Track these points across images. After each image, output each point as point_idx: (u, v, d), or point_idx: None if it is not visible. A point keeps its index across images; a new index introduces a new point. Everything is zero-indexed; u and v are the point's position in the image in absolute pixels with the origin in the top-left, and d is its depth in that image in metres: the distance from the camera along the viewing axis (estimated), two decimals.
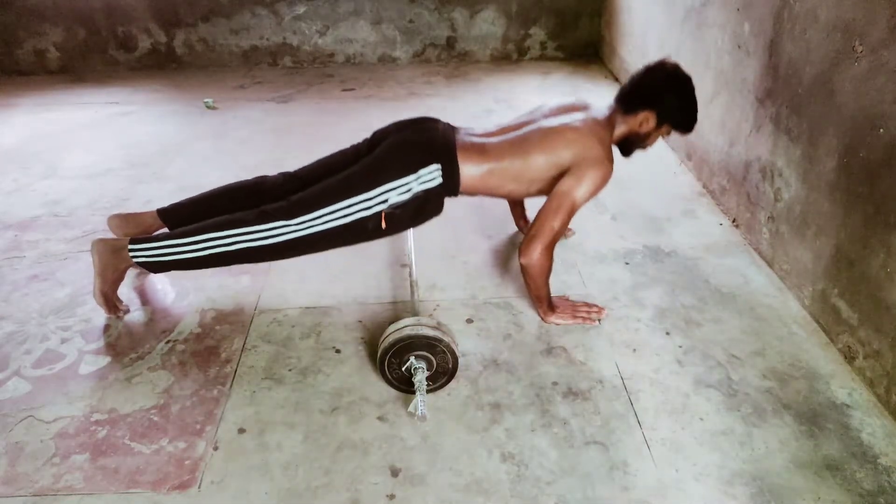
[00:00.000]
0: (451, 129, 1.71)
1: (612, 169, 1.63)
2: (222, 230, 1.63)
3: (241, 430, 1.43)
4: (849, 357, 1.60)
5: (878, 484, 1.29)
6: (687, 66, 1.70)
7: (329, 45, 3.93)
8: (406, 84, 3.64)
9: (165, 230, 1.81)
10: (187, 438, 1.41)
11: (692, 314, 1.78)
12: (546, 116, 1.72)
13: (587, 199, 1.63)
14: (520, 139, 1.66)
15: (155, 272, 1.77)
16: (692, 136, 2.51)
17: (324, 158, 1.82)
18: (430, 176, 1.60)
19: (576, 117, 1.68)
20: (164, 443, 1.40)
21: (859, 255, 1.53)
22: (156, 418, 1.46)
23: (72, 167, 2.71)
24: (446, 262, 2.02)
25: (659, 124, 1.68)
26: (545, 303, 1.72)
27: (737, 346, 1.66)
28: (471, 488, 1.29)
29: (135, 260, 1.69)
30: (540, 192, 1.71)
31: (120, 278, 1.76)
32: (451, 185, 1.63)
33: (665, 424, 1.44)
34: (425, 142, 1.64)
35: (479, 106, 3.29)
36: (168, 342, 1.70)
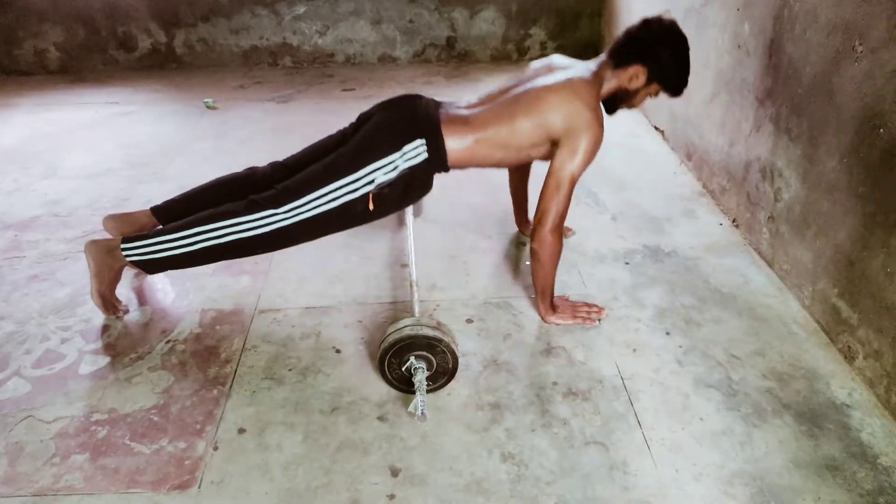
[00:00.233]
0: (434, 104, 1.69)
1: (602, 132, 1.59)
2: (212, 223, 1.62)
3: (241, 430, 1.43)
4: (849, 357, 1.60)
5: (878, 484, 1.29)
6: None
7: (329, 45, 3.94)
8: (406, 84, 3.64)
9: (160, 227, 1.81)
10: (187, 438, 1.41)
11: (692, 314, 1.78)
12: (529, 80, 1.69)
13: (584, 169, 1.60)
14: (503, 106, 1.64)
15: (150, 272, 1.76)
16: (693, 136, 2.52)
17: (311, 145, 1.81)
18: (415, 152, 1.59)
19: (558, 77, 1.63)
20: (164, 443, 1.40)
21: (859, 255, 1.53)
22: (156, 418, 1.46)
23: (72, 167, 2.71)
24: (446, 262, 2.02)
25: (648, 81, 1.65)
26: (548, 297, 1.72)
27: (737, 346, 1.66)
28: (471, 488, 1.29)
29: (128, 259, 1.68)
30: (531, 158, 1.69)
31: (116, 278, 1.76)
32: (437, 159, 1.62)
33: (665, 424, 1.44)
34: (408, 118, 1.63)
35: None
36: (168, 342, 1.70)
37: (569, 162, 1.58)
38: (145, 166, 2.70)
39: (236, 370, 1.60)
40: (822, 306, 1.70)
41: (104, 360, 1.64)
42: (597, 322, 1.74)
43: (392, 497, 1.28)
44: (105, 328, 1.75)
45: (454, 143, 1.61)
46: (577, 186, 1.64)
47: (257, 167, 1.85)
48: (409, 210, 1.86)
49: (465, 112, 1.67)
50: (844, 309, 1.60)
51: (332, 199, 1.59)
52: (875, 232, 1.47)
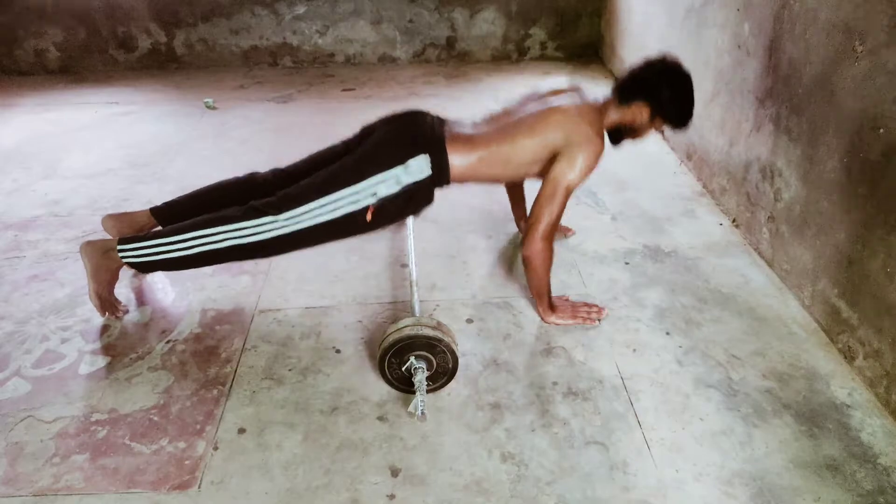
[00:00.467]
0: (439, 121, 1.71)
1: (602, 147, 1.62)
2: (210, 227, 1.62)
3: (241, 430, 1.43)
4: (849, 357, 1.60)
5: (878, 484, 1.30)
6: (687, 66, 1.70)
7: (329, 45, 3.93)
8: (406, 84, 3.64)
9: (158, 228, 1.81)
10: (187, 438, 1.41)
11: (692, 314, 1.78)
12: (535, 101, 1.72)
13: (581, 181, 1.62)
14: (507, 126, 1.67)
15: (146, 273, 1.76)
16: (693, 136, 2.52)
17: (313, 154, 1.81)
18: (418, 167, 1.59)
19: (564, 100, 1.67)
20: (164, 443, 1.40)
21: (859, 255, 1.53)
22: (156, 418, 1.46)
23: (72, 167, 2.71)
24: (446, 262, 2.02)
25: (652, 118, 1.68)
26: (546, 300, 1.72)
27: (737, 346, 1.66)
28: (471, 488, 1.29)
29: (124, 260, 1.68)
30: (531, 174, 1.71)
31: (114, 279, 1.76)
32: (440, 175, 1.63)
33: (665, 424, 1.44)
34: (413, 133, 1.64)
35: (479, 106, 3.29)
36: (168, 342, 1.70)
37: (567, 171, 1.60)
38: (145, 166, 2.70)
39: (236, 370, 1.60)
40: (822, 306, 1.70)
41: (104, 361, 1.64)
42: (597, 322, 1.74)
43: (392, 497, 1.28)
44: (105, 328, 1.75)
45: (458, 160, 1.63)
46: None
47: (258, 172, 1.84)
48: None
49: (470, 131, 1.69)
50: (844, 309, 1.60)
51: (333, 209, 1.59)
52: (875, 232, 1.47)
